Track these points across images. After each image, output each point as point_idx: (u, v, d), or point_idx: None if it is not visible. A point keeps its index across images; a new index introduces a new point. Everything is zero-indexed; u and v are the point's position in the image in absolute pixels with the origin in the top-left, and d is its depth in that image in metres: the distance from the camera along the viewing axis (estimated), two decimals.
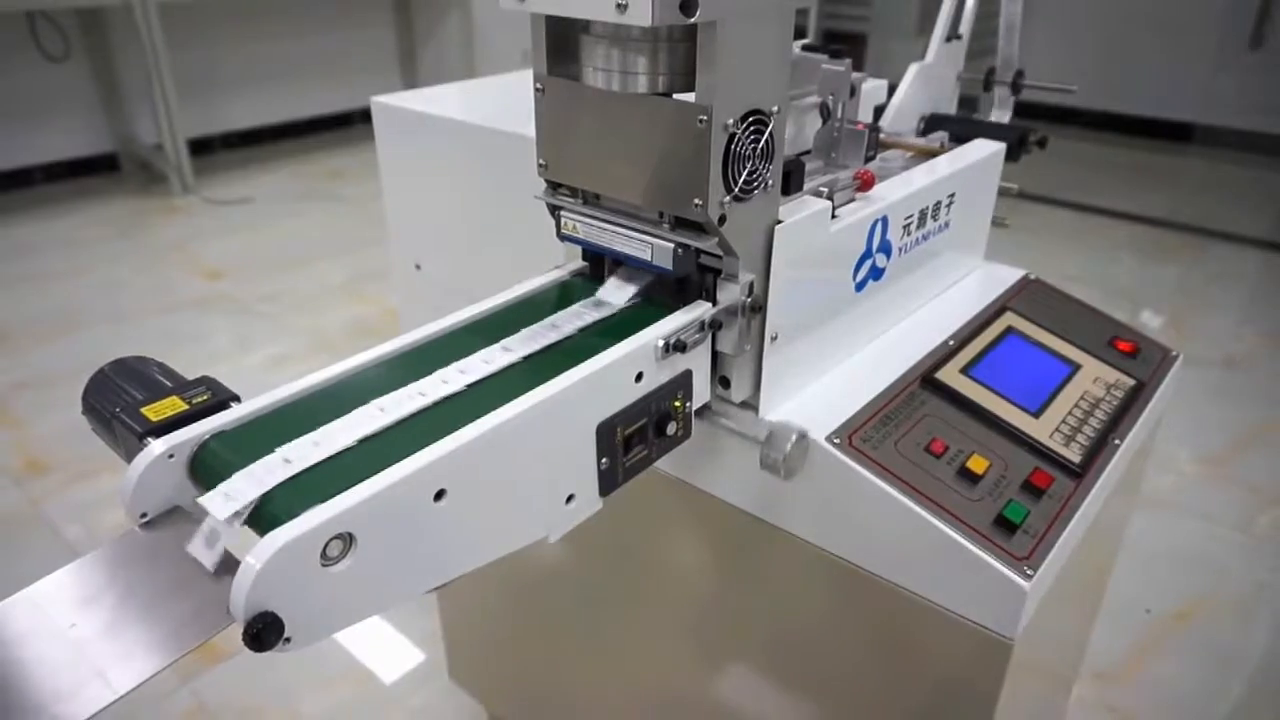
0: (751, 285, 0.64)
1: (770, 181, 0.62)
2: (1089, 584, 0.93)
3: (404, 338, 0.61)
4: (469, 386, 0.55)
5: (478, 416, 0.51)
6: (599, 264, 0.71)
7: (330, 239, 2.86)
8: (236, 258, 2.72)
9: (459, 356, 0.58)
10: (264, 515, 0.45)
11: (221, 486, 0.46)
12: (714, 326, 0.64)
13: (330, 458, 0.49)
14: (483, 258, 1.08)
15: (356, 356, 0.59)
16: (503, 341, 0.61)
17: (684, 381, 0.63)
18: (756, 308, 0.65)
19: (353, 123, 3.88)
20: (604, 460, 0.58)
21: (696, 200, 0.58)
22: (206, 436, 0.51)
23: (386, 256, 1.27)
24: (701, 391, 0.66)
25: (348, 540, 0.44)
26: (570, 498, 0.57)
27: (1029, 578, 0.62)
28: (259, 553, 0.41)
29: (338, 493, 0.45)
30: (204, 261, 2.70)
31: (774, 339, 0.68)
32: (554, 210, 0.68)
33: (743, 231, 0.62)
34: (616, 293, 0.68)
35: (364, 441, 0.50)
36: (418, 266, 1.18)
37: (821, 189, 0.71)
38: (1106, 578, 1.03)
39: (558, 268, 0.72)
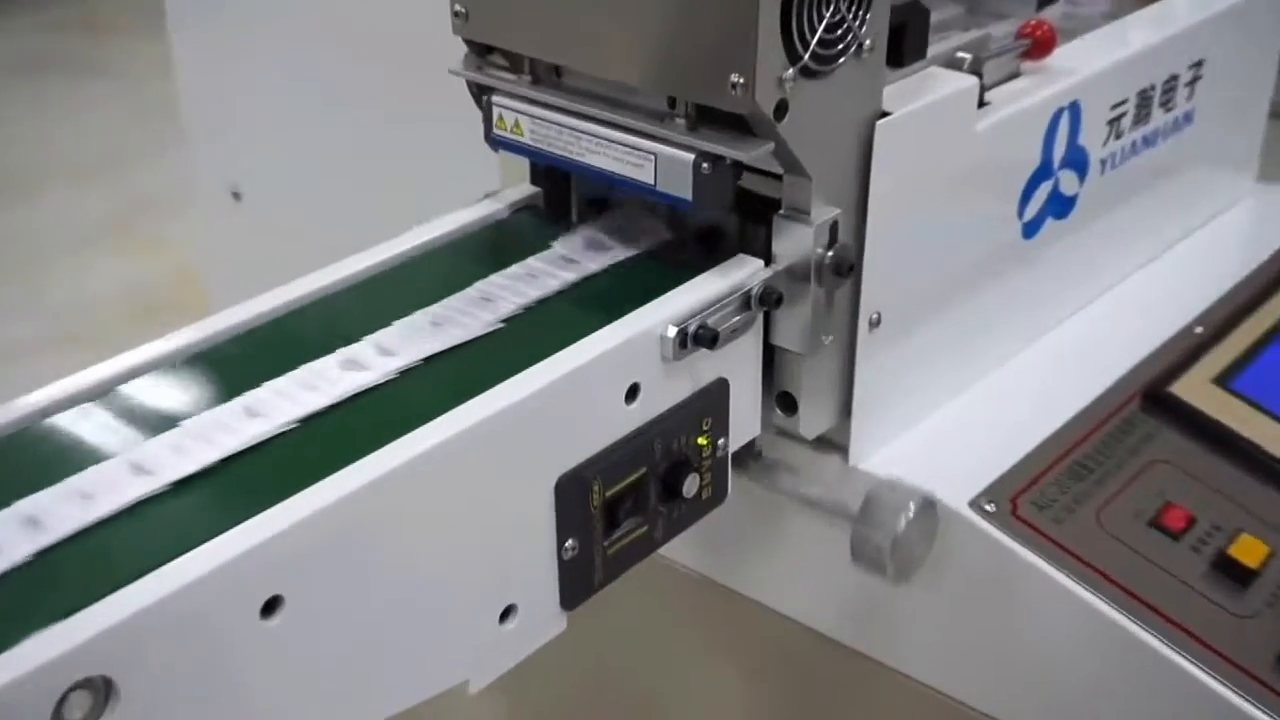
0: (834, 228, 0.64)
1: (867, 42, 0.62)
2: None
3: (213, 321, 0.61)
4: (325, 412, 0.56)
5: (339, 466, 0.51)
6: (560, 189, 0.72)
7: (81, 143, 2.86)
8: None
9: (310, 358, 0.59)
10: None
11: None
12: (768, 302, 0.64)
13: (73, 539, 0.49)
14: (354, 181, 1.08)
15: (129, 354, 0.59)
16: (389, 329, 0.61)
17: (714, 401, 0.64)
18: (844, 268, 0.65)
19: None
20: (569, 544, 0.59)
21: (735, 76, 0.58)
22: None
23: (182, 175, 1.31)
24: (746, 419, 0.67)
25: (102, 691, 0.44)
26: (508, 612, 0.58)
27: None
28: None
29: (85, 604, 0.44)
30: None
31: (875, 324, 0.69)
32: (480, 94, 0.68)
33: (818, 132, 0.62)
34: (592, 240, 0.68)
35: (135, 509, 0.50)
36: (236, 195, 1.19)
37: (961, 55, 0.71)
38: None
39: (488, 196, 0.72)
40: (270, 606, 0.48)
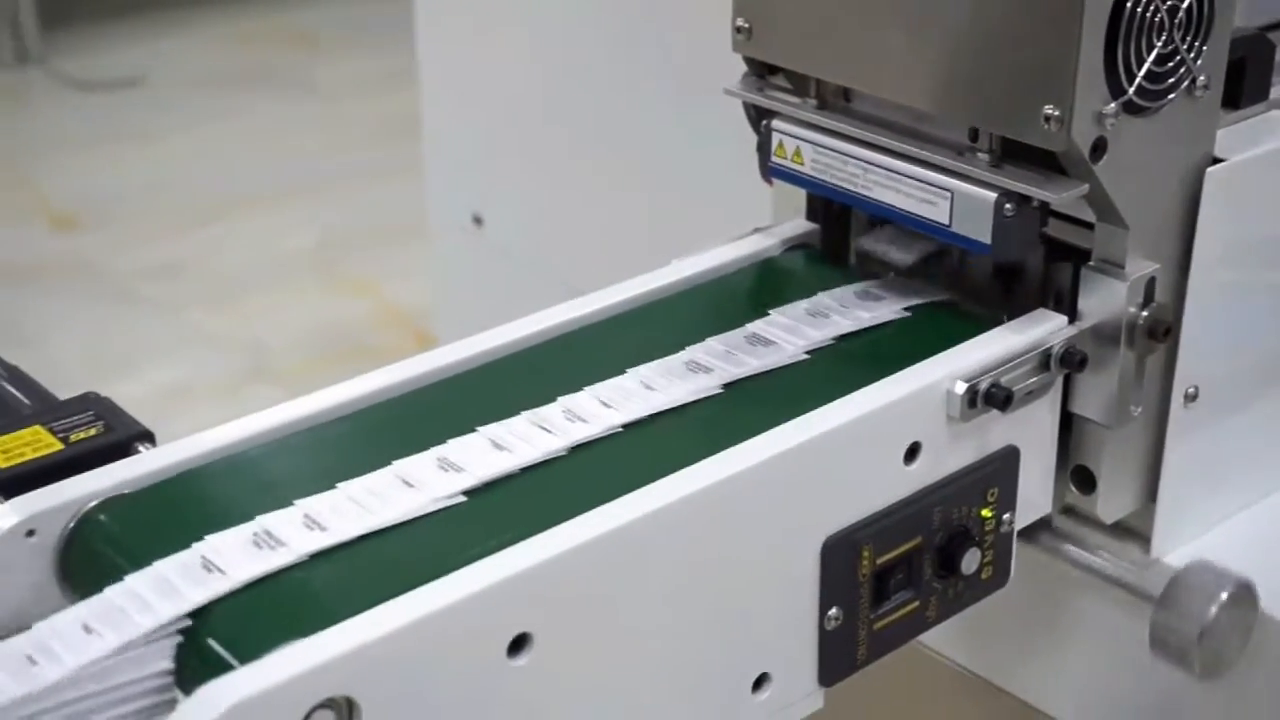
0: (1151, 285, 0.65)
1: (1201, 78, 0.63)
2: None
3: (455, 348, 0.65)
4: (576, 449, 0.59)
5: (597, 503, 0.53)
6: (838, 227, 0.74)
7: (288, 162, 2.91)
8: (109, 191, 2.78)
9: (560, 392, 0.62)
10: (194, 653, 0.48)
11: (111, 592, 0.49)
12: (1070, 364, 0.65)
13: (317, 558, 0.51)
14: (612, 210, 1.10)
15: (373, 375, 0.63)
16: (646, 368, 0.64)
17: (1002, 470, 0.65)
18: (1160, 331, 0.66)
19: None
20: (833, 613, 0.60)
21: (1050, 109, 0.59)
22: (92, 503, 0.55)
23: (407, 201, 1.35)
24: (1035, 495, 0.68)
25: (345, 712, 0.47)
26: (762, 681, 0.59)
27: None
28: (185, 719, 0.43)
29: (331, 622, 0.47)
30: (51, 194, 2.78)
31: (1192, 398, 0.69)
32: (759, 118, 0.71)
33: (1140, 176, 0.63)
34: (873, 285, 0.70)
35: (380, 534, 0.53)
36: (477, 220, 1.22)
37: None
38: None
39: (758, 231, 0.74)
40: (517, 645, 0.50)
